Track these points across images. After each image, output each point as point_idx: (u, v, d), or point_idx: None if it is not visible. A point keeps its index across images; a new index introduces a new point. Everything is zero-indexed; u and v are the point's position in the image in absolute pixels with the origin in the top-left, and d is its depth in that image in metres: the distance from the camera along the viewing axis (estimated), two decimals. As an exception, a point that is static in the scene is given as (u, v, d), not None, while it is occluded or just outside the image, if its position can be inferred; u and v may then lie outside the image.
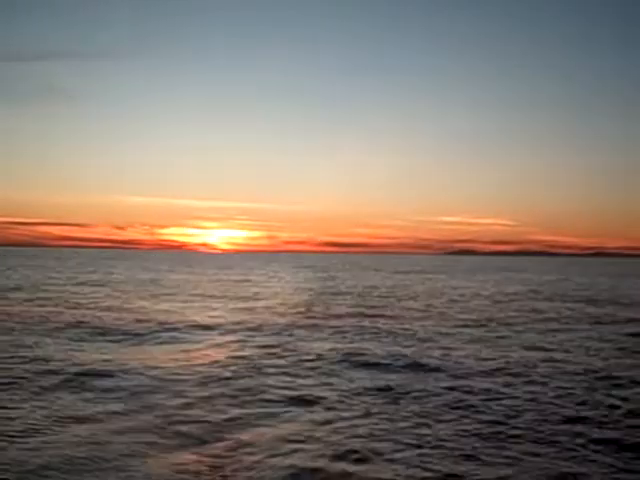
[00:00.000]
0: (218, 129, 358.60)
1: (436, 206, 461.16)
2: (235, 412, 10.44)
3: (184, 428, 9.54)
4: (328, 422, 9.98)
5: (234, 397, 11.44)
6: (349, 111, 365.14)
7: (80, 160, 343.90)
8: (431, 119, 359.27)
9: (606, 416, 10.42)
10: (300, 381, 12.88)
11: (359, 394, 11.84)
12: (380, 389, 12.22)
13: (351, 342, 18.23)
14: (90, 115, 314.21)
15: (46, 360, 14.41)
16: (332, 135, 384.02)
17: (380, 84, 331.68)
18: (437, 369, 14.30)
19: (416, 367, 14.49)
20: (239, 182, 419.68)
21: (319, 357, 15.57)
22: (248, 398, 11.41)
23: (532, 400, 11.42)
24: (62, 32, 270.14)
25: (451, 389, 12.26)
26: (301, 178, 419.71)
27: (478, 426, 9.86)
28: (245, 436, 9.21)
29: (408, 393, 11.92)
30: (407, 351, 16.60)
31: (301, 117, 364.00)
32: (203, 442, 8.92)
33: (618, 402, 11.35)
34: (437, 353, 16.50)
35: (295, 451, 8.59)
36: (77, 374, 12.98)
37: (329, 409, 10.75)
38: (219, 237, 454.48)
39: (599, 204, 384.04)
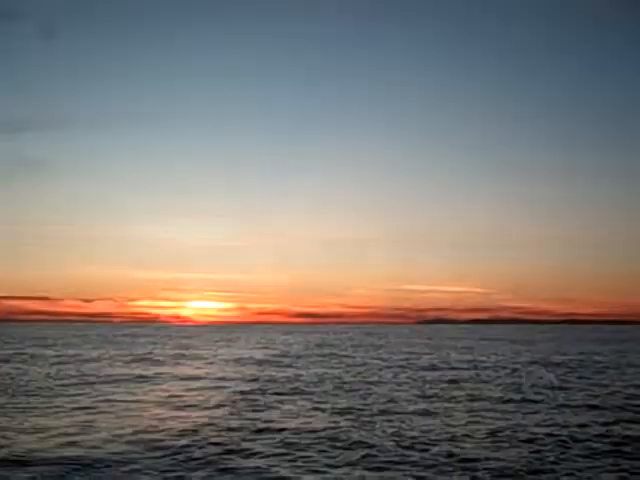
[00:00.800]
0: (184, 199, 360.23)
1: (406, 274, 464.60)
2: None
3: None
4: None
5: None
6: (316, 182, 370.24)
7: (46, 232, 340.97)
8: (395, 186, 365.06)
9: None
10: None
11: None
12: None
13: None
14: (56, 186, 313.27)
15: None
16: (299, 205, 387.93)
17: (343, 147, 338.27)
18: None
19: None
20: (208, 254, 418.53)
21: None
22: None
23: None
24: (28, 103, 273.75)
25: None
26: (270, 249, 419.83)
27: None
28: None
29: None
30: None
31: (268, 185, 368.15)
32: None
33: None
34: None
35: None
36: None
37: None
38: (191, 309, 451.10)
39: (571, 270, 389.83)
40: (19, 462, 11.73)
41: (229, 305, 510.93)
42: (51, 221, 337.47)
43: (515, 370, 32.44)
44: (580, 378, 28.41)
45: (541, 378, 27.86)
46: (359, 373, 30.57)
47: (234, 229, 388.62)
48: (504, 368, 33.81)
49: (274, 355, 46.21)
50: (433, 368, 33.70)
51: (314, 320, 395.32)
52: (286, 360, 40.44)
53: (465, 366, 35.21)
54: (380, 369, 33.07)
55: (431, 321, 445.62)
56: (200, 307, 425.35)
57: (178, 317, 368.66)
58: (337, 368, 33.60)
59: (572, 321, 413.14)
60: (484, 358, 43.42)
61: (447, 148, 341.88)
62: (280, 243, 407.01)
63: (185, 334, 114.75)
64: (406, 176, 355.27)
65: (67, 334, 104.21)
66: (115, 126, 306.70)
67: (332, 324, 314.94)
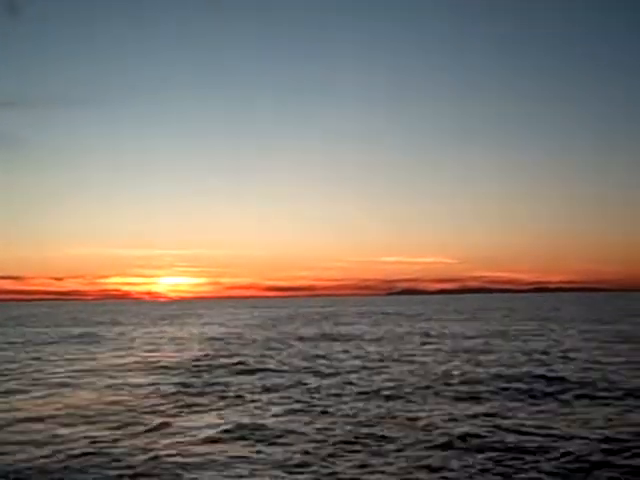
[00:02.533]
0: (159, 177, 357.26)
1: (376, 247, 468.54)
2: None
3: None
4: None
5: None
6: (289, 158, 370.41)
7: (17, 210, 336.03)
8: (363, 162, 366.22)
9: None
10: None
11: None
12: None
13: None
14: (31, 163, 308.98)
15: None
16: (272, 181, 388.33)
17: (316, 131, 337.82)
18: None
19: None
20: (180, 229, 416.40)
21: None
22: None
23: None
24: (13, 80, 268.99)
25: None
26: (243, 223, 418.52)
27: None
28: None
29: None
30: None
31: (243, 162, 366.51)
32: None
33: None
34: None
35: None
36: None
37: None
38: (163, 285, 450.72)
39: (541, 239, 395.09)
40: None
41: (202, 280, 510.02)
42: (22, 199, 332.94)
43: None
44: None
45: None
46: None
47: (206, 204, 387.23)
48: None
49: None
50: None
51: (286, 293, 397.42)
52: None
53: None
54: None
55: (401, 292, 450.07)
56: (172, 283, 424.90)
57: (150, 293, 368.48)
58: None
59: (542, 289, 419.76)
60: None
61: (420, 123, 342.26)
62: (253, 217, 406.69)
63: (131, 312, 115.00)
64: (377, 150, 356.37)
65: None
66: (92, 105, 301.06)
67: (304, 297, 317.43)
